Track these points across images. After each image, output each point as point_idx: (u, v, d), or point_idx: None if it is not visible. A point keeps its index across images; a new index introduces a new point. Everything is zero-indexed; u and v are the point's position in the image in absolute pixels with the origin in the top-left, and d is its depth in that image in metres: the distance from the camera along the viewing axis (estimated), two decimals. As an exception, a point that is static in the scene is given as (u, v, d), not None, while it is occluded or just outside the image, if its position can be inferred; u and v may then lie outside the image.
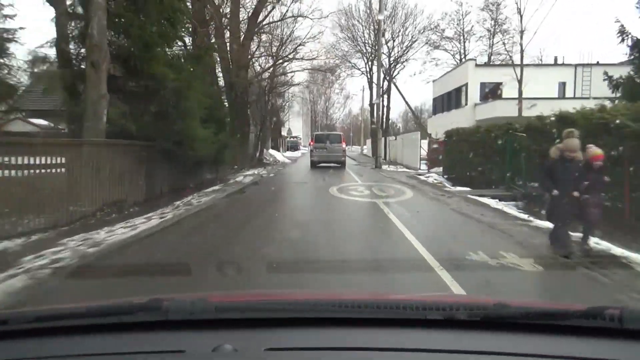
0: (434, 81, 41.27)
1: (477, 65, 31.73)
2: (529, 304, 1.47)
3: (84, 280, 5.03)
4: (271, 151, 33.00)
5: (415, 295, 1.85)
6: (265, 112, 29.91)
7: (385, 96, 41.44)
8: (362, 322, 1.30)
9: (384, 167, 25.43)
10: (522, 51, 23.89)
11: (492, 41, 49.50)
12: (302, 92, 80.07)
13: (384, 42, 38.53)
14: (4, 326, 1.26)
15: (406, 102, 27.65)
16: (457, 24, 50.33)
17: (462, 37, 51.24)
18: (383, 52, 39.01)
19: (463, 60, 50.85)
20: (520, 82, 24.11)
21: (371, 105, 43.58)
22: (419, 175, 19.76)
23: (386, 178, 18.08)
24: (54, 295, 4.40)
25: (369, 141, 54.52)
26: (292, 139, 75.56)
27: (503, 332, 1.26)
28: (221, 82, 27.66)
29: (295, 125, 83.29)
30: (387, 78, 37.38)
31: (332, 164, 24.14)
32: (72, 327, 1.27)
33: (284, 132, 58.62)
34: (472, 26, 49.63)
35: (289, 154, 47.37)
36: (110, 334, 1.25)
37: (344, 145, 25.16)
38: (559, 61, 34.32)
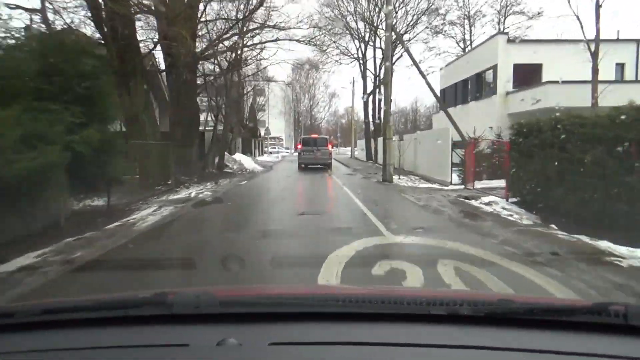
0: (442, 68, 33.10)
1: (509, 41, 23.48)
2: (534, 300, 1.41)
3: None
4: (237, 156, 24.38)
5: (419, 290, 2.02)
6: (228, 101, 21.25)
7: (382, 86, 33.08)
8: (366, 317, 1.27)
9: (395, 179, 16.96)
10: (598, 7, 15.62)
11: (503, 26, 41.90)
12: (282, 88, 71.57)
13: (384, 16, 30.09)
14: (10, 319, 1.26)
15: (425, 80, 19.08)
16: (462, 6, 42.45)
17: (468, 21, 43.37)
18: (382, 28, 30.66)
19: (468, 47, 42.99)
20: (595, 55, 15.91)
21: (366, 97, 35.07)
22: (468, 199, 11.34)
23: (426, 212, 9.43)
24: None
25: (360, 142, 46.08)
26: (272, 140, 66.83)
27: (507, 328, 1.22)
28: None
29: (277, 125, 74.73)
30: (396, 45, 28.56)
31: (319, 165, 23.73)
32: (78, 320, 1.25)
33: (262, 132, 49.86)
34: (481, 6, 41.89)
35: (265, 158, 38.64)
36: (115, 327, 1.24)
37: (330, 148, 24.83)
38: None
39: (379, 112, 33.66)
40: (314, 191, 13.43)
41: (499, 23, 43.31)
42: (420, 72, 18.96)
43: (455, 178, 15.73)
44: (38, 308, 1.31)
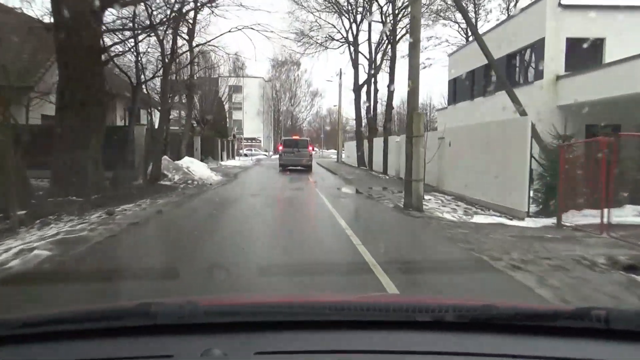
0: (451, 54, 26.54)
1: (562, 5, 16.94)
2: (517, 305, 1.39)
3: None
4: (186, 161, 17.27)
5: (404, 297, 1.92)
6: (165, 81, 14.20)
7: (378, 71, 26.18)
8: (352, 325, 1.24)
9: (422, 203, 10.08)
10: None
11: (515, 10, 35.70)
12: (262, 85, 64.33)
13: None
14: None
15: (477, 37, 12.21)
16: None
17: (473, 6, 37.02)
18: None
19: (472, 36, 36.67)
20: None
21: (359, 86, 28.21)
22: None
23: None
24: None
25: (348, 144, 39.30)
26: (248, 141, 59.60)
27: (492, 334, 1.21)
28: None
29: (255, 125, 67.73)
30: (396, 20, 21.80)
31: (299, 167, 23.05)
32: (58, 332, 1.20)
33: (234, 132, 42.63)
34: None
35: (234, 162, 31.51)
36: (97, 339, 1.18)
37: (310, 149, 24.28)
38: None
39: (374, 107, 26.93)
40: (284, 244, 6.51)
41: (507, 9, 37.25)
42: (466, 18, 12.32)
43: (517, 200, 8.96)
44: (17, 321, 1.24)
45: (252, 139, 62.42)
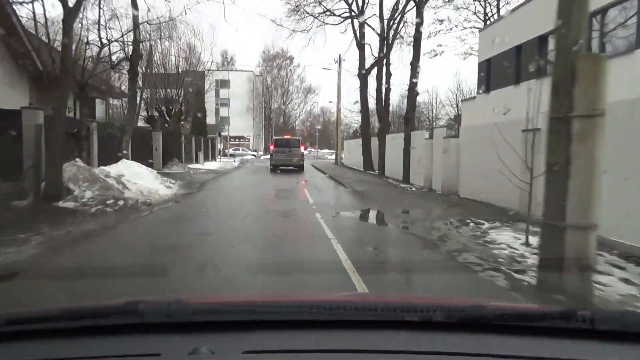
0: (483, 29, 20.82)
1: None
2: (505, 306, 1.40)
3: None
4: (120, 167, 11.35)
5: (394, 296, 1.89)
6: (67, 29, 8.26)
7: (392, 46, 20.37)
8: (341, 324, 1.22)
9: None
10: None
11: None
12: (251, 78, 58.15)
13: None
14: None
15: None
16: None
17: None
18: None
19: (490, 21, 30.95)
20: None
21: (367, 70, 22.25)
22: None
23: None
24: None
25: (348, 143, 33.45)
26: (236, 140, 53.53)
27: (479, 334, 1.20)
28: None
29: (244, 123, 61.83)
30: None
31: (291, 167, 21.81)
32: (44, 330, 1.16)
33: (218, 129, 36.58)
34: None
35: (210, 165, 25.46)
36: (84, 337, 1.15)
37: (302, 149, 22.96)
38: None
39: (387, 95, 21.10)
40: None
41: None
42: None
43: None
44: (2, 318, 1.18)
45: (239, 138, 56.39)
